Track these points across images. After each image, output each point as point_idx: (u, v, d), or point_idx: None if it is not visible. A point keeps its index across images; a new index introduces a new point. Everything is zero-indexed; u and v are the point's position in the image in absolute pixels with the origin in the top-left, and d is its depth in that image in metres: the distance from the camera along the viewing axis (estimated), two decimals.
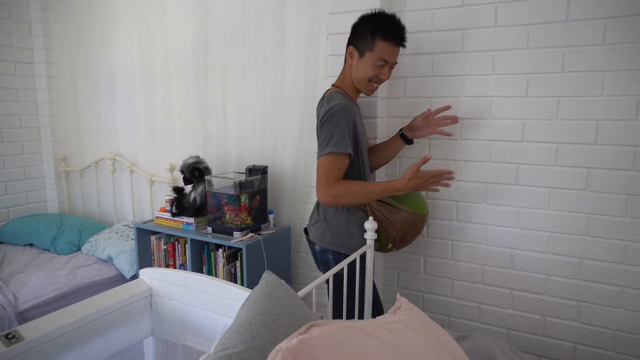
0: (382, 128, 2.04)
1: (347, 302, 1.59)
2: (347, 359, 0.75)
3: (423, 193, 2.03)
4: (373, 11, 1.62)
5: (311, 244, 1.76)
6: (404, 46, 1.64)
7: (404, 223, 1.70)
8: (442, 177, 1.57)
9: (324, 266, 1.73)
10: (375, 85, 1.68)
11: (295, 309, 0.95)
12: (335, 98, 1.61)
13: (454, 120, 1.85)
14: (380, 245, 1.75)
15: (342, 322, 0.85)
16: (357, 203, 1.64)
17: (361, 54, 1.62)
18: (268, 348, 0.84)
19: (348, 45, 1.67)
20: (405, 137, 1.86)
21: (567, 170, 1.76)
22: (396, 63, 1.68)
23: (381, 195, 1.60)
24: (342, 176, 1.57)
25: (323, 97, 1.70)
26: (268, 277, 1.02)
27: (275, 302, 0.93)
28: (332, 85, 1.75)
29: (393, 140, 1.89)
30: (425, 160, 1.52)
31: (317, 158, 1.56)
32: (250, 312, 0.90)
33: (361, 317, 1.71)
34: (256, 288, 1.00)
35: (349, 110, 1.56)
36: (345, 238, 1.68)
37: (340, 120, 1.54)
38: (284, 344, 0.72)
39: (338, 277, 1.54)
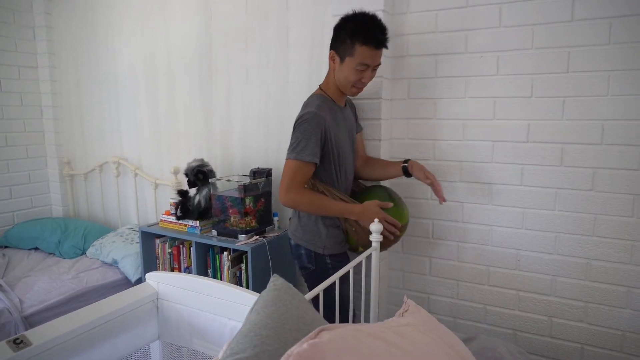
0: (386, 129, 2.04)
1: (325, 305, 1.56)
2: None
3: (432, 195, 2.03)
4: (353, 12, 1.61)
5: (288, 237, 1.80)
6: (386, 47, 1.63)
7: None
8: (390, 228, 1.65)
9: (297, 260, 1.78)
10: (360, 87, 1.68)
11: (304, 313, 0.95)
12: (311, 104, 1.63)
13: (442, 200, 1.75)
14: (350, 246, 1.77)
15: (352, 326, 0.85)
16: (312, 213, 1.68)
17: (342, 59, 1.62)
18: (278, 352, 0.83)
19: (330, 48, 1.66)
20: (405, 170, 1.80)
21: (573, 170, 1.76)
22: (379, 64, 1.66)
23: (338, 214, 1.66)
24: (306, 182, 1.62)
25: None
26: (276, 281, 1.01)
27: (283, 306, 0.93)
28: (319, 86, 1.75)
29: (396, 166, 1.83)
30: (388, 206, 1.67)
31: (285, 159, 1.61)
32: (259, 317, 0.90)
33: (358, 320, 1.71)
34: (264, 292, 1.00)
35: (319, 119, 1.58)
36: (313, 236, 1.70)
37: (307, 128, 1.56)
38: (295, 349, 0.72)
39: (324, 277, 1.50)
